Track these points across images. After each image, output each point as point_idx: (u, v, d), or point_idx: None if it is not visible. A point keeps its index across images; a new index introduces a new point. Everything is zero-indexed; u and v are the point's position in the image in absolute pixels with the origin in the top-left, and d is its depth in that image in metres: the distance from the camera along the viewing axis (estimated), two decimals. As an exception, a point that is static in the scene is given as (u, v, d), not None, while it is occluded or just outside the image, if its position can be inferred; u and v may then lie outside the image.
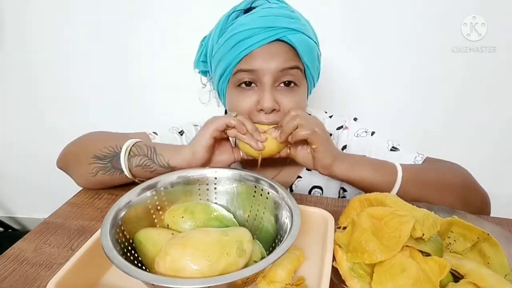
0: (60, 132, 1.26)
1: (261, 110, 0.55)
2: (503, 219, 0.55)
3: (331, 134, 0.70)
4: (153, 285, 0.31)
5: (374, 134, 0.67)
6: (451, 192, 0.54)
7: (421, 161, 0.61)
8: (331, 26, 0.93)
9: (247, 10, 0.57)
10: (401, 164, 0.54)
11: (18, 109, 1.25)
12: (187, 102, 0.91)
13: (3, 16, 1.08)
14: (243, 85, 0.57)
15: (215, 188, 0.49)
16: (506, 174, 1.00)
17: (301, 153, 0.56)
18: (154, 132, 0.69)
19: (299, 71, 0.56)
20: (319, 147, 0.51)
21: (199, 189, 0.49)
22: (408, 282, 0.34)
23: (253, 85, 0.56)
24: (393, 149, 0.63)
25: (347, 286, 0.37)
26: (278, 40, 0.54)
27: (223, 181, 0.49)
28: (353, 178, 0.54)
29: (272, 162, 0.67)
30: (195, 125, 0.74)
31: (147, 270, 0.39)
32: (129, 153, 0.56)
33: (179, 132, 0.71)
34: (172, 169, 0.55)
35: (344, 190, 0.73)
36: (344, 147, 0.69)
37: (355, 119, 0.71)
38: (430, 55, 0.92)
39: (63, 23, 1.07)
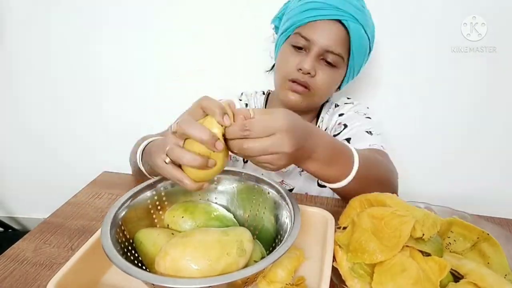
0: (61, 132, 1.27)
1: (299, 69, 0.62)
2: (503, 219, 0.55)
3: (337, 105, 0.77)
4: (153, 285, 0.31)
5: (368, 119, 0.71)
6: (382, 188, 0.51)
7: (374, 147, 0.62)
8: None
9: None
10: (358, 156, 0.50)
11: (18, 109, 1.24)
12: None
13: (4, 15, 1.08)
14: (296, 47, 0.64)
15: (215, 188, 0.49)
16: (506, 174, 1.00)
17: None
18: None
19: (340, 59, 0.63)
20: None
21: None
22: (408, 282, 0.34)
23: (302, 50, 0.64)
24: (368, 132, 0.66)
25: (347, 286, 0.37)
26: (339, 21, 0.60)
27: (223, 181, 0.49)
28: (309, 170, 0.47)
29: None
30: (242, 93, 0.82)
31: (147, 270, 0.39)
32: (141, 161, 0.56)
33: (240, 95, 0.80)
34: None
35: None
36: (341, 114, 0.74)
37: (367, 107, 0.76)
38: (430, 55, 0.92)
39: (65, 22, 1.07)
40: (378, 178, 0.54)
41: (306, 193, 0.72)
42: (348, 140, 0.66)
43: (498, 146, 0.97)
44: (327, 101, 0.80)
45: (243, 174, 0.48)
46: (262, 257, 0.39)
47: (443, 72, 0.93)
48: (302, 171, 0.75)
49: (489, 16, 0.84)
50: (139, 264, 0.40)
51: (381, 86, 0.99)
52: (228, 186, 0.49)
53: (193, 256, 0.33)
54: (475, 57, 0.89)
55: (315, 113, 0.79)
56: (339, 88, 0.74)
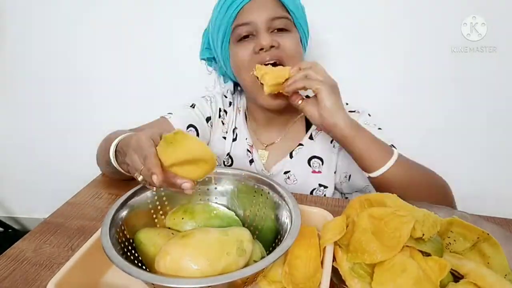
0: (61, 132, 1.27)
1: (260, 50, 0.60)
2: (503, 219, 0.55)
3: None
4: (153, 284, 0.31)
5: (380, 130, 0.68)
6: (431, 191, 0.57)
7: None
8: (330, 26, 0.92)
9: None
10: (398, 156, 0.56)
11: (18, 109, 1.24)
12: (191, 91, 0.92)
13: (4, 15, 1.08)
14: (242, 38, 0.63)
15: (215, 188, 0.49)
16: (506, 174, 1.00)
17: (309, 106, 0.57)
18: (169, 113, 0.74)
19: (288, 20, 0.63)
20: (322, 95, 0.53)
21: (199, 189, 0.48)
22: (409, 282, 0.34)
23: (250, 36, 0.62)
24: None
25: (347, 286, 0.37)
26: None
27: (223, 181, 0.49)
28: (350, 141, 0.55)
29: (277, 123, 0.75)
30: (202, 96, 0.80)
31: (147, 270, 0.39)
32: (116, 160, 0.55)
33: (190, 106, 0.77)
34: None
35: (325, 187, 0.73)
36: None
37: (369, 114, 0.74)
38: (430, 55, 0.92)
39: (64, 22, 1.07)
40: (424, 180, 0.57)
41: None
42: None
43: (498, 146, 0.97)
44: None
45: (243, 174, 0.48)
46: (262, 257, 0.39)
47: (443, 72, 0.93)
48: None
49: (489, 16, 0.84)
50: (139, 264, 0.40)
51: (381, 86, 0.99)
52: (228, 186, 0.49)
53: (193, 256, 0.33)
54: (475, 57, 0.89)
55: (298, 113, 0.74)
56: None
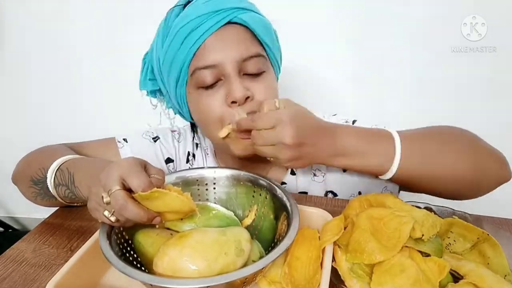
0: (61, 132, 1.26)
1: (232, 102, 0.48)
2: (503, 219, 0.55)
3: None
4: (151, 285, 0.31)
5: (356, 122, 0.61)
6: (461, 158, 0.46)
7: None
8: (330, 25, 0.93)
9: (187, 4, 0.50)
10: (399, 134, 0.46)
11: (18, 109, 1.25)
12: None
13: (3, 15, 1.08)
14: (206, 87, 0.49)
15: (214, 189, 0.49)
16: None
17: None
18: (124, 139, 0.63)
19: (262, 58, 0.50)
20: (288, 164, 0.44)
21: (198, 189, 0.49)
22: (407, 283, 0.34)
23: (218, 82, 0.49)
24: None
25: (346, 286, 0.37)
26: (230, 23, 0.48)
27: (222, 181, 0.49)
28: (340, 167, 0.50)
29: (255, 168, 0.60)
30: (173, 131, 0.67)
31: (146, 270, 0.39)
32: (54, 180, 0.49)
33: (153, 138, 0.64)
34: None
35: (335, 195, 0.65)
36: None
37: (334, 115, 0.64)
38: (430, 55, 0.92)
39: (63, 22, 1.07)
40: (446, 146, 0.46)
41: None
42: None
43: (498, 146, 0.97)
44: None
45: (242, 174, 0.48)
46: (261, 257, 0.39)
47: (443, 72, 0.93)
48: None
49: (489, 16, 0.84)
50: (138, 265, 0.40)
51: (380, 86, 0.99)
52: (227, 186, 0.49)
53: (191, 257, 0.33)
54: (475, 57, 0.89)
55: None
56: None
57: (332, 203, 0.60)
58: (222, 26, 0.47)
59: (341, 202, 0.61)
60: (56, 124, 1.25)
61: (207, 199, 0.49)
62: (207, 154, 0.66)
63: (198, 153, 0.67)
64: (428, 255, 0.38)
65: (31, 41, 1.11)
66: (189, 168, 0.49)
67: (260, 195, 0.46)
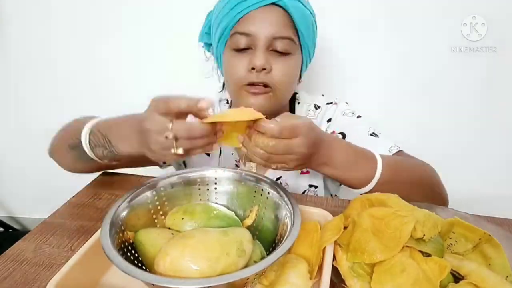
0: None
1: (252, 69, 0.56)
2: (504, 219, 0.55)
3: (319, 107, 0.72)
4: (153, 285, 0.31)
5: (360, 118, 0.68)
6: (420, 191, 0.55)
7: (396, 151, 0.60)
8: (330, 25, 0.93)
9: None
10: (382, 160, 0.52)
11: (18, 109, 1.24)
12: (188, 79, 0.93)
13: (3, 14, 1.08)
14: (239, 49, 0.58)
15: (215, 189, 0.49)
16: (507, 174, 1.00)
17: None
18: None
19: (291, 42, 0.57)
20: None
21: (199, 189, 0.49)
22: (408, 282, 0.34)
23: (247, 49, 0.58)
24: (373, 134, 0.64)
25: (346, 285, 0.37)
26: (274, 4, 0.55)
27: (223, 181, 0.49)
28: (327, 175, 0.53)
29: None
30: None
31: (147, 270, 0.39)
32: (89, 144, 0.52)
33: None
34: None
35: (315, 187, 0.71)
36: (329, 120, 0.69)
37: (346, 103, 0.72)
38: (430, 55, 0.92)
39: (65, 23, 1.07)
40: (413, 181, 0.54)
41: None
42: None
43: (498, 146, 0.97)
44: (296, 101, 0.73)
45: (243, 174, 0.48)
46: (262, 258, 0.39)
47: (443, 72, 0.93)
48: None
49: (489, 16, 0.84)
50: (139, 265, 0.40)
51: (380, 86, 0.99)
52: (228, 186, 0.49)
53: (193, 257, 0.33)
54: (475, 57, 0.89)
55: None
56: (300, 77, 0.67)
57: (332, 203, 0.61)
58: (266, 5, 0.55)
59: (341, 202, 0.61)
60: (56, 124, 1.24)
61: (208, 199, 0.49)
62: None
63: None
64: (429, 255, 0.38)
65: (32, 42, 1.11)
66: (193, 168, 0.49)
67: (261, 195, 0.46)
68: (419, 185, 0.55)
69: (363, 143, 0.60)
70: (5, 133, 1.29)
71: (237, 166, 0.74)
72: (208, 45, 0.69)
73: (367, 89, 1.00)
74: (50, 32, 1.09)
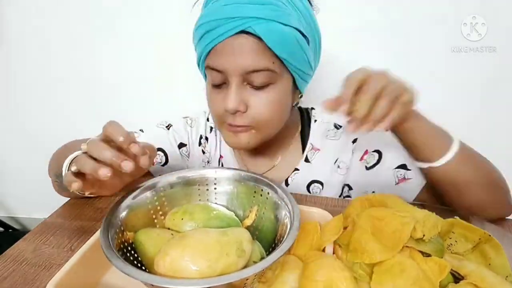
0: (62, 132, 1.27)
1: (226, 111, 0.51)
2: (504, 219, 0.55)
3: (340, 126, 0.66)
4: (152, 285, 0.31)
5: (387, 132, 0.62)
6: (494, 190, 0.52)
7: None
8: (330, 25, 0.92)
9: None
10: (460, 143, 0.50)
11: (19, 108, 1.25)
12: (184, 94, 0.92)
13: (4, 13, 1.08)
14: (215, 85, 0.53)
15: (215, 189, 0.49)
16: (507, 174, 0.99)
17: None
18: (141, 130, 0.68)
19: (270, 72, 0.49)
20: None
21: (199, 189, 0.48)
22: (408, 283, 0.34)
23: (223, 85, 0.52)
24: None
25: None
26: (243, 32, 0.47)
27: (223, 181, 0.49)
28: (413, 132, 0.49)
29: (267, 152, 0.65)
30: (185, 117, 0.72)
31: (147, 270, 0.39)
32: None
33: (166, 126, 0.69)
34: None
35: (350, 188, 0.66)
36: (355, 141, 0.64)
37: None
38: (430, 55, 0.92)
39: (64, 24, 1.07)
40: (489, 175, 0.51)
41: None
42: (403, 166, 0.59)
43: (498, 146, 0.97)
44: (312, 119, 0.67)
45: (242, 174, 0.48)
46: (262, 258, 0.39)
47: (443, 72, 0.93)
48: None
49: (489, 16, 0.84)
50: (139, 265, 0.40)
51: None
52: (228, 186, 0.49)
53: (192, 257, 0.33)
54: (475, 57, 0.89)
55: (293, 134, 0.66)
56: (300, 92, 0.59)
57: (332, 203, 0.61)
58: (234, 34, 0.47)
59: (341, 202, 0.61)
60: (56, 124, 1.25)
61: (207, 199, 0.49)
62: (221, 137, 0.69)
63: (211, 135, 0.71)
64: (429, 255, 0.38)
65: (31, 43, 1.11)
66: (192, 168, 0.49)
67: (261, 195, 0.46)
68: (493, 183, 0.52)
69: (402, 157, 0.58)
70: (5, 133, 1.30)
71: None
72: None
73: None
74: (50, 32, 1.09)
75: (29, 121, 1.26)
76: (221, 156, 0.70)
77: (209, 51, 0.50)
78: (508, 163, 0.98)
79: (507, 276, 0.38)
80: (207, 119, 0.71)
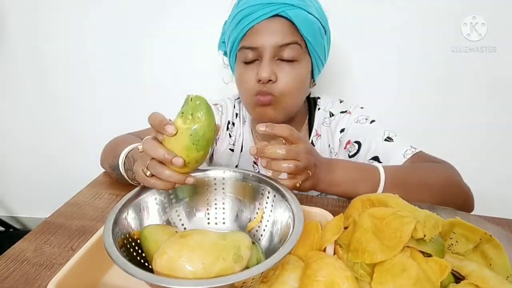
0: (63, 132, 1.27)
1: (259, 81, 0.59)
2: (504, 219, 0.55)
3: (333, 114, 0.72)
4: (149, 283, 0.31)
5: (374, 122, 0.67)
6: (430, 193, 0.54)
7: (411, 155, 0.61)
8: (331, 25, 0.93)
9: None
10: (384, 170, 0.53)
11: (19, 108, 1.25)
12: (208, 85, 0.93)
13: (5, 12, 1.08)
14: (247, 62, 0.61)
15: (223, 189, 0.49)
16: (508, 174, 0.99)
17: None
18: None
19: (298, 46, 0.59)
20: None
21: (207, 189, 0.48)
22: (408, 282, 0.34)
23: (255, 61, 0.60)
24: (388, 139, 0.64)
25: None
26: (278, 16, 0.57)
27: (231, 181, 0.48)
28: (333, 193, 0.53)
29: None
30: (215, 104, 0.77)
31: (150, 266, 0.39)
32: (124, 167, 0.58)
33: None
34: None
35: None
36: (342, 130, 0.70)
37: (361, 107, 0.72)
38: (430, 55, 0.92)
39: (63, 25, 1.07)
40: (426, 186, 0.54)
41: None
42: (375, 158, 0.63)
43: (498, 146, 0.97)
44: (317, 107, 0.75)
45: (251, 175, 0.48)
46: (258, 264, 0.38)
47: (443, 72, 0.93)
48: None
49: (489, 16, 0.84)
50: (142, 261, 0.40)
51: (380, 87, 0.99)
52: (236, 187, 0.48)
53: (188, 258, 0.33)
54: (475, 57, 0.89)
55: (302, 122, 0.74)
56: (313, 80, 0.68)
57: (333, 203, 0.61)
58: (270, 17, 0.57)
59: (341, 202, 0.61)
60: (57, 124, 1.25)
61: (215, 199, 0.49)
62: (245, 122, 0.78)
63: (237, 121, 0.78)
64: (429, 255, 0.38)
65: (31, 45, 1.11)
66: (201, 168, 0.49)
67: (268, 197, 0.46)
68: (428, 189, 0.55)
69: (380, 152, 0.63)
70: (5, 133, 1.30)
71: (255, 164, 0.77)
72: (226, 53, 0.72)
73: (366, 89, 1.00)
74: (50, 31, 1.09)
75: (29, 121, 1.26)
76: (243, 140, 0.78)
77: (245, 33, 0.59)
78: (508, 162, 0.98)
79: (508, 276, 0.38)
80: (233, 106, 0.79)
